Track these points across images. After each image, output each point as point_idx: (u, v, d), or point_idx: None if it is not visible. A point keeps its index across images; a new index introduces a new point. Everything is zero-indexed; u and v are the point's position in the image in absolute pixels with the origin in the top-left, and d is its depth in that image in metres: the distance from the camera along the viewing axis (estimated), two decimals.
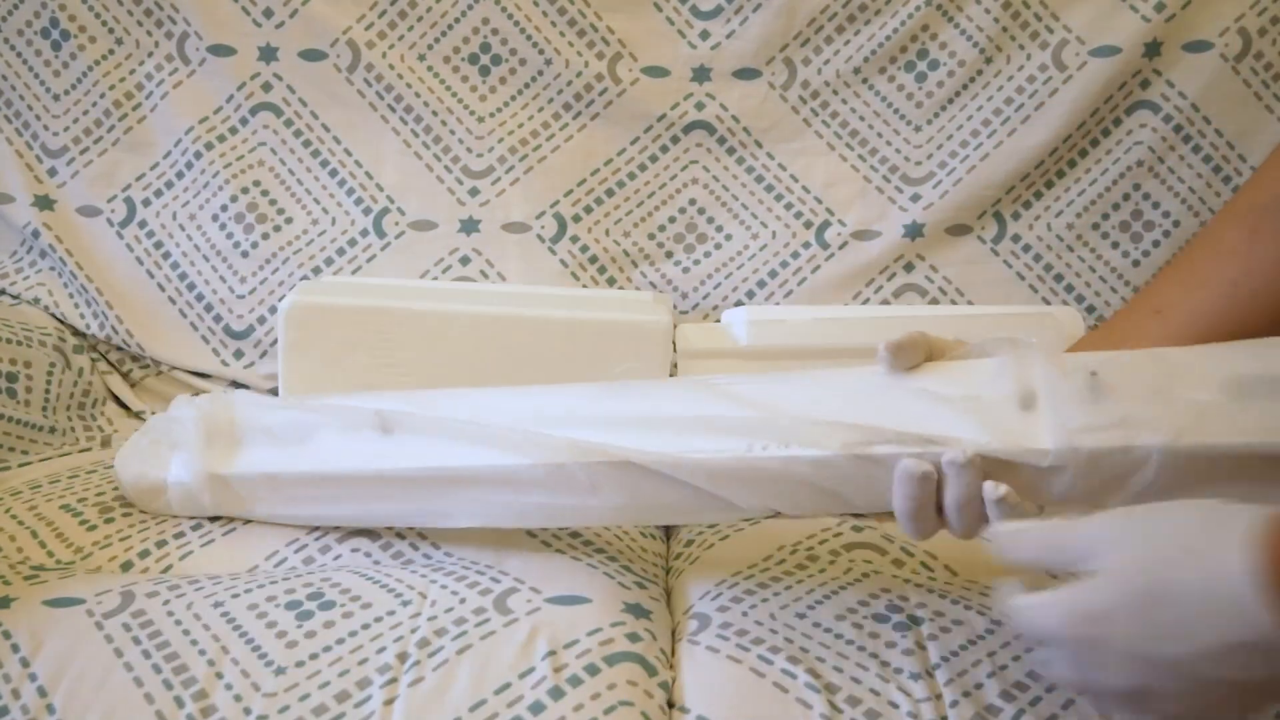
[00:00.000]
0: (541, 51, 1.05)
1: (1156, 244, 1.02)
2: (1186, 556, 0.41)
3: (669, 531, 0.84)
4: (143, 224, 1.07)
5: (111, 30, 1.08)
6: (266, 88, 1.06)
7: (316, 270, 1.05)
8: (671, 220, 1.06)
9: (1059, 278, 1.02)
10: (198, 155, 1.07)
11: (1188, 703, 0.44)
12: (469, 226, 1.05)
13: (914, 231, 1.03)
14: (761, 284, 1.04)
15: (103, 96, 1.08)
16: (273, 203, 1.06)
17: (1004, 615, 0.50)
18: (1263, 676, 0.41)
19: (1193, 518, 0.43)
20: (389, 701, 0.58)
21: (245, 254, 1.06)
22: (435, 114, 1.06)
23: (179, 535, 0.76)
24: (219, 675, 0.60)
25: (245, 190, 1.06)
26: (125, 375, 1.07)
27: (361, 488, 0.71)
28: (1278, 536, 0.40)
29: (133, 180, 1.08)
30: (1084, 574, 0.46)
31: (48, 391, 0.97)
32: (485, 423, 0.66)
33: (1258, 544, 0.40)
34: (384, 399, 0.73)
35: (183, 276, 1.06)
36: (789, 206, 1.05)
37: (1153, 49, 0.99)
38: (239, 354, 1.05)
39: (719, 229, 1.06)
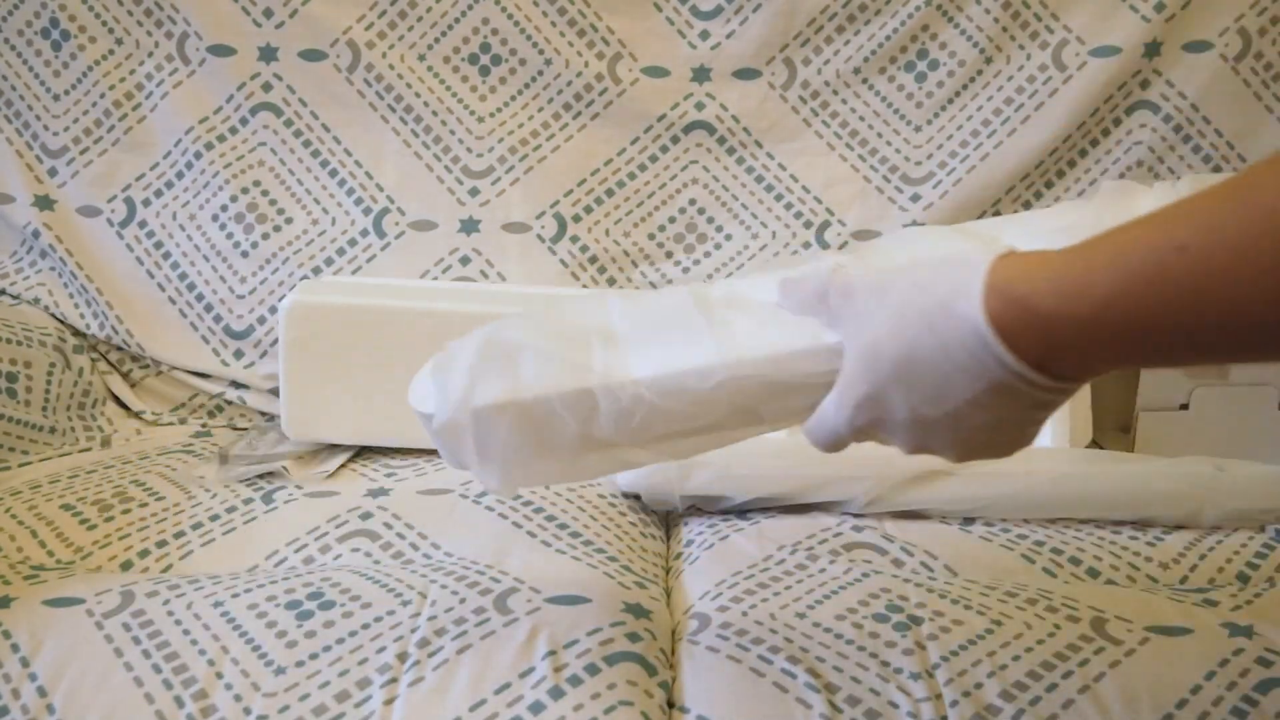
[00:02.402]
0: (541, 52, 1.05)
1: None
2: (926, 327, 0.43)
3: (669, 531, 0.84)
4: (143, 224, 1.07)
5: (111, 30, 1.08)
6: (266, 88, 1.06)
7: (316, 270, 1.05)
8: (671, 220, 1.06)
9: None
10: (198, 155, 1.07)
11: (964, 447, 0.46)
12: (469, 226, 1.05)
13: None
14: None
15: (103, 96, 1.08)
16: (273, 203, 1.06)
17: (808, 437, 0.51)
18: (1020, 411, 0.43)
19: (926, 278, 0.44)
20: (389, 701, 0.58)
21: (245, 254, 1.06)
22: (435, 114, 1.06)
23: (179, 535, 0.76)
24: (219, 675, 0.60)
25: (245, 190, 1.06)
26: (125, 375, 1.07)
27: None
28: (1006, 277, 0.41)
29: (133, 180, 1.08)
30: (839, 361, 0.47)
31: (48, 391, 0.97)
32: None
33: (986, 295, 0.41)
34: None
35: (183, 276, 1.06)
36: (789, 206, 1.05)
37: (1153, 49, 0.99)
38: (239, 354, 1.05)
39: (719, 229, 1.06)
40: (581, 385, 0.53)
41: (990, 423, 0.44)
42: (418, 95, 1.06)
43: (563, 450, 0.55)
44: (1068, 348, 0.41)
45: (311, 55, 1.06)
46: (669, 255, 1.06)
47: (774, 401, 0.52)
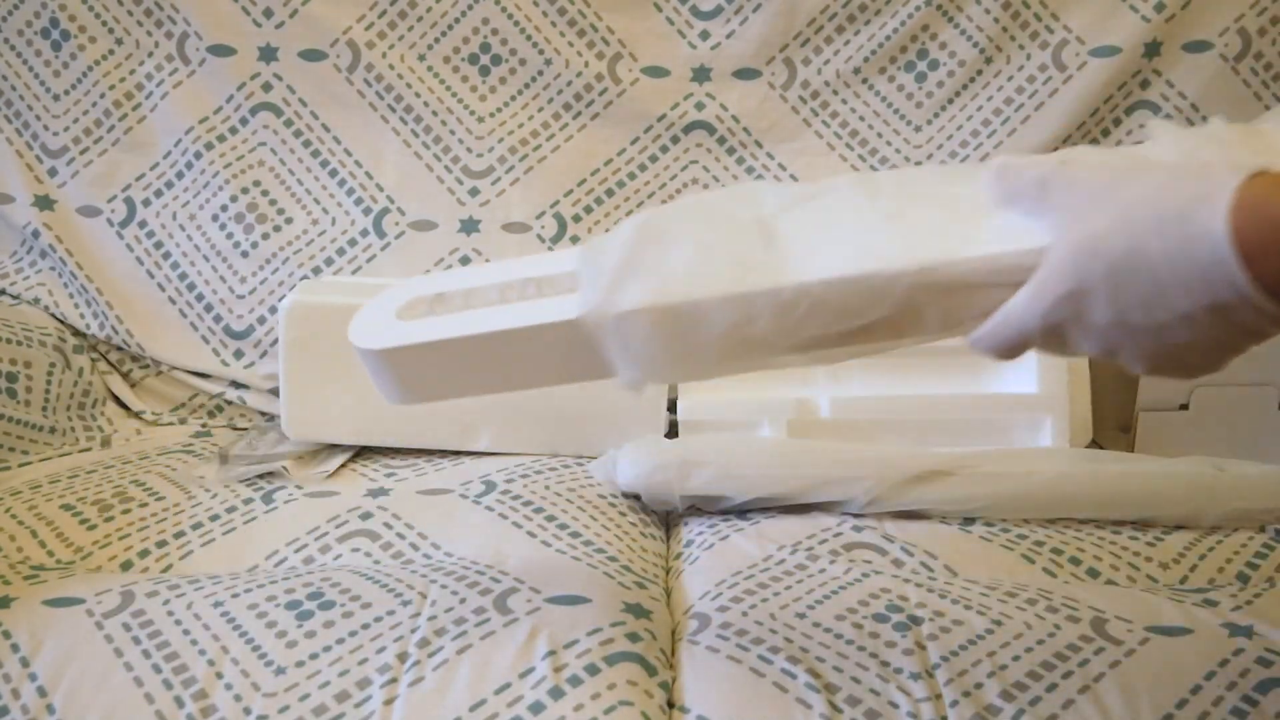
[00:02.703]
0: (541, 52, 1.05)
1: None
2: (1157, 231, 0.41)
3: (669, 531, 0.84)
4: (143, 224, 1.07)
5: (111, 30, 1.08)
6: (266, 88, 1.06)
7: (316, 270, 1.05)
8: None
9: None
10: (198, 155, 1.07)
11: (1156, 360, 0.44)
12: (469, 226, 1.05)
13: None
14: None
15: (103, 96, 1.08)
16: (273, 203, 1.06)
17: (980, 342, 0.48)
18: (1230, 335, 0.42)
19: (1164, 182, 0.42)
20: (389, 701, 0.58)
21: (245, 254, 1.06)
22: (435, 114, 1.06)
23: (179, 535, 0.76)
24: (219, 675, 0.60)
25: (245, 190, 1.06)
26: (125, 375, 1.07)
27: None
28: (1257, 195, 0.40)
29: (133, 180, 1.08)
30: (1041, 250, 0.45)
31: (48, 391, 0.97)
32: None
33: (1235, 210, 0.39)
34: None
35: (183, 276, 1.06)
36: None
37: (1153, 49, 0.99)
38: (239, 354, 1.05)
39: None
40: (741, 289, 0.49)
41: (1195, 341, 0.42)
42: (418, 95, 1.06)
43: (706, 353, 0.51)
44: None
45: (311, 55, 1.06)
46: None
47: (951, 301, 0.47)
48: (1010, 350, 0.48)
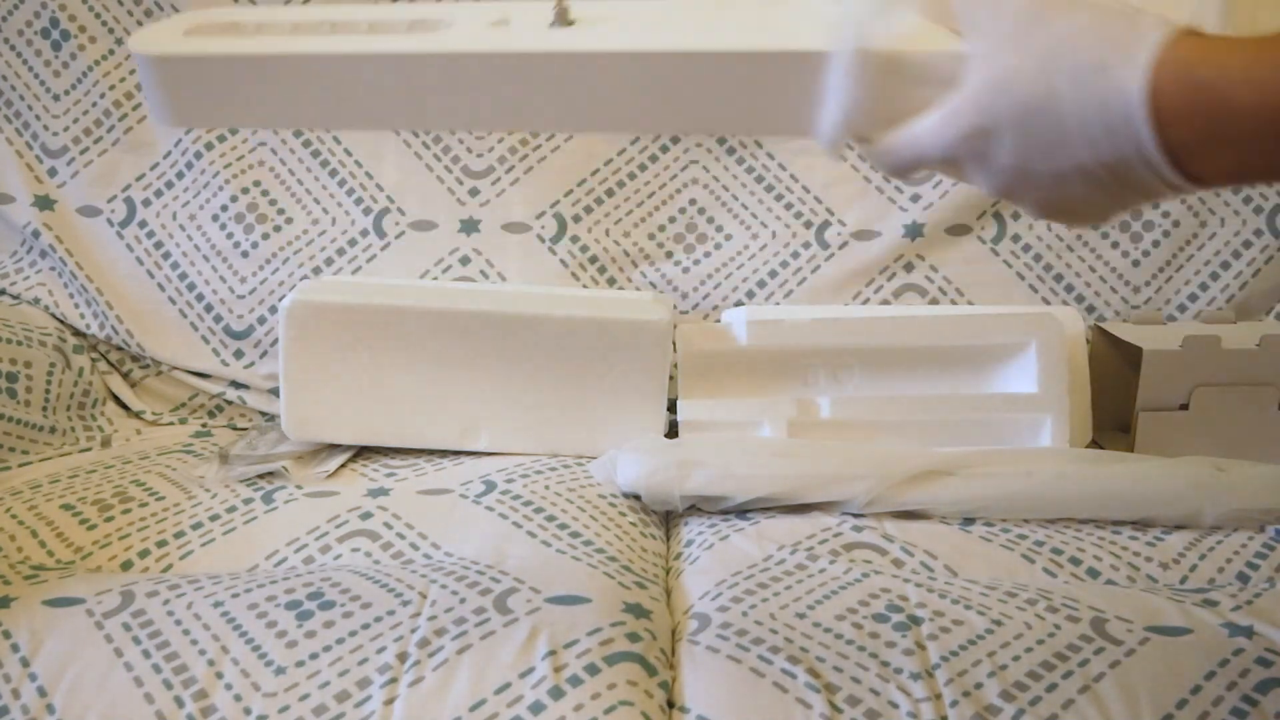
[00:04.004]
0: None
1: (1156, 244, 1.02)
2: (1071, 80, 0.40)
3: (669, 531, 0.84)
4: (143, 224, 1.07)
5: (111, 30, 1.08)
6: None
7: (317, 270, 1.05)
8: (671, 220, 1.06)
9: (1059, 278, 1.02)
10: (198, 155, 1.07)
11: (1050, 208, 0.44)
12: (469, 226, 1.05)
13: (914, 231, 1.03)
14: (761, 284, 1.04)
15: (103, 96, 1.08)
16: (273, 203, 1.06)
17: (880, 153, 0.47)
18: (1125, 193, 0.41)
19: (1089, 24, 0.41)
20: (389, 701, 0.58)
21: (245, 254, 1.06)
22: None
23: (179, 535, 0.76)
24: (219, 675, 0.60)
25: (245, 190, 1.06)
26: (125, 375, 1.07)
27: None
28: (1181, 56, 0.39)
29: (133, 180, 1.08)
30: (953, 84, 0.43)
31: (48, 391, 0.97)
32: None
33: (1156, 69, 0.38)
34: None
35: (183, 276, 1.06)
36: (789, 206, 1.05)
37: None
38: (239, 354, 1.05)
39: (719, 229, 1.06)
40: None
41: (1090, 194, 0.42)
42: None
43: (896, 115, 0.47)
44: (1230, 144, 0.38)
45: None
46: (669, 255, 1.06)
47: (885, 90, 0.46)
48: (907, 169, 0.47)
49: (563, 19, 0.51)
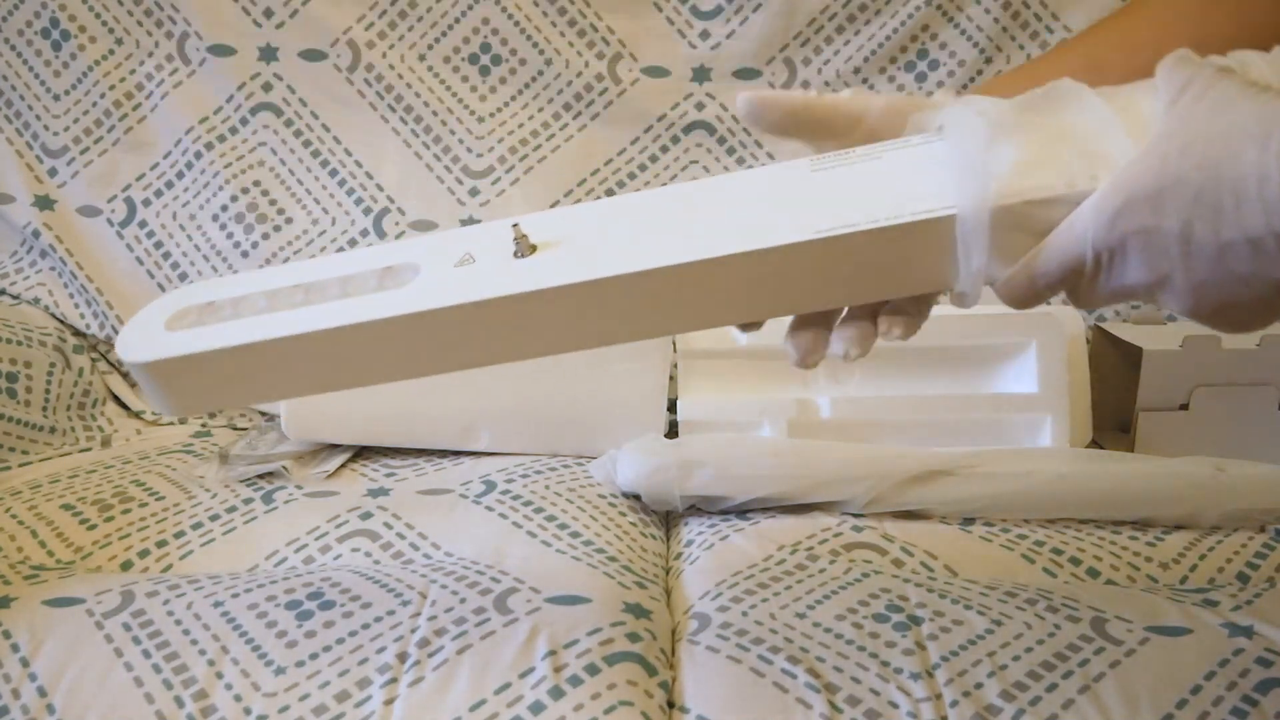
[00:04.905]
0: (541, 52, 1.05)
1: None
2: (1246, 137, 0.38)
3: (669, 531, 0.84)
4: (143, 224, 1.07)
5: (111, 30, 1.08)
6: (267, 88, 1.06)
7: None
8: None
9: None
10: (198, 155, 1.07)
11: (1202, 295, 0.41)
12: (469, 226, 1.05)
13: None
14: None
15: (103, 96, 1.08)
16: (273, 203, 1.06)
17: (1016, 278, 0.47)
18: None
19: (1248, 107, 0.39)
20: (389, 701, 0.58)
21: (245, 254, 1.06)
22: (435, 114, 1.06)
23: (179, 535, 0.76)
24: (219, 675, 0.60)
25: (245, 190, 1.06)
26: (125, 375, 1.07)
27: None
28: None
29: (133, 180, 1.08)
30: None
31: (48, 391, 0.97)
32: None
33: None
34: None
35: (183, 276, 1.06)
36: None
37: None
38: None
39: None
40: None
41: (1253, 278, 0.39)
42: (418, 95, 1.06)
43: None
44: None
45: (312, 55, 1.06)
46: None
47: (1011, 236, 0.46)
48: (1051, 276, 0.45)
49: (525, 247, 0.50)
